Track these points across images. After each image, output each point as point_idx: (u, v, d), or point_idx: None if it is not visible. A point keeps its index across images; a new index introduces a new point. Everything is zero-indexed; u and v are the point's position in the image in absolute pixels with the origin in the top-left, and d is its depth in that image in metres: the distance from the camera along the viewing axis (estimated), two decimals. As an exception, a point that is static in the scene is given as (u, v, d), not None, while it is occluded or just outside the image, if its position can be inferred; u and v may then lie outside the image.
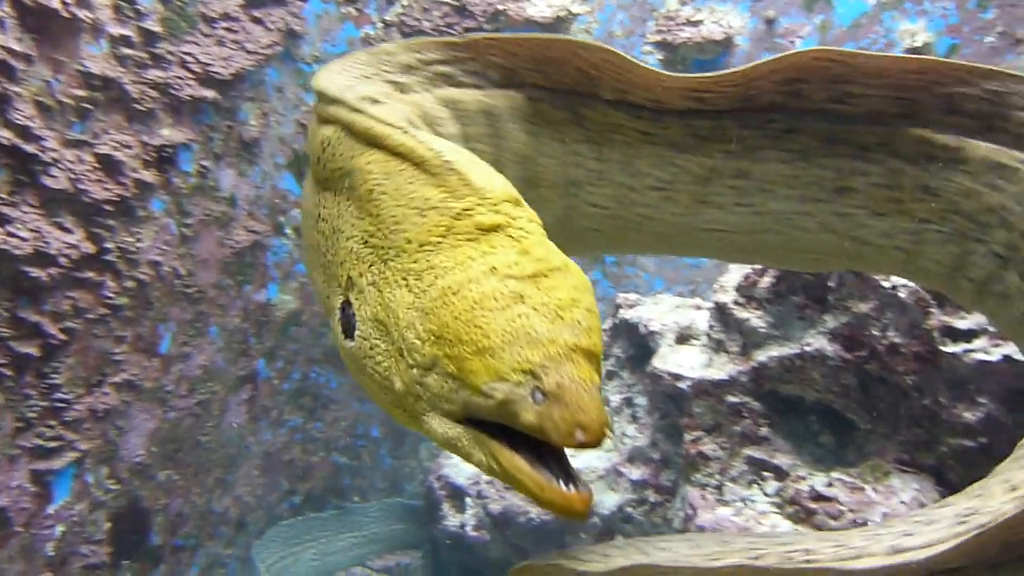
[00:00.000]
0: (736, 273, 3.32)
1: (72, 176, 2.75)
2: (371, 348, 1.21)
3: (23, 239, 2.54)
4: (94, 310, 2.93)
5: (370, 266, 1.21)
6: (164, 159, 3.30)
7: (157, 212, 3.33)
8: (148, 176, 3.19)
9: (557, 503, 0.99)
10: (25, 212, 2.57)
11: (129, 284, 3.12)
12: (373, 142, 1.30)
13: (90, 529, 3.03)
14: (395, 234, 1.18)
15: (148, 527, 3.40)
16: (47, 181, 2.64)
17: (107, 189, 2.93)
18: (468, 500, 3.68)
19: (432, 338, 1.06)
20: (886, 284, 2.74)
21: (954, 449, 2.64)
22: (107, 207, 2.93)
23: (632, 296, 3.82)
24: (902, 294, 2.70)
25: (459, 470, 3.78)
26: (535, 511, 3.52)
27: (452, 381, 1.06)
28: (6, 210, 2.51)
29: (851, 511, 2.68)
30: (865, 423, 2.96)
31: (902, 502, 2.63)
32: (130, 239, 3.10)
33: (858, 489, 2.75)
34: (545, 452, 1.02)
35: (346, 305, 1.28)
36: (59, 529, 2.87)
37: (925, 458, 2.75)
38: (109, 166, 2.95)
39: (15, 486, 2.65)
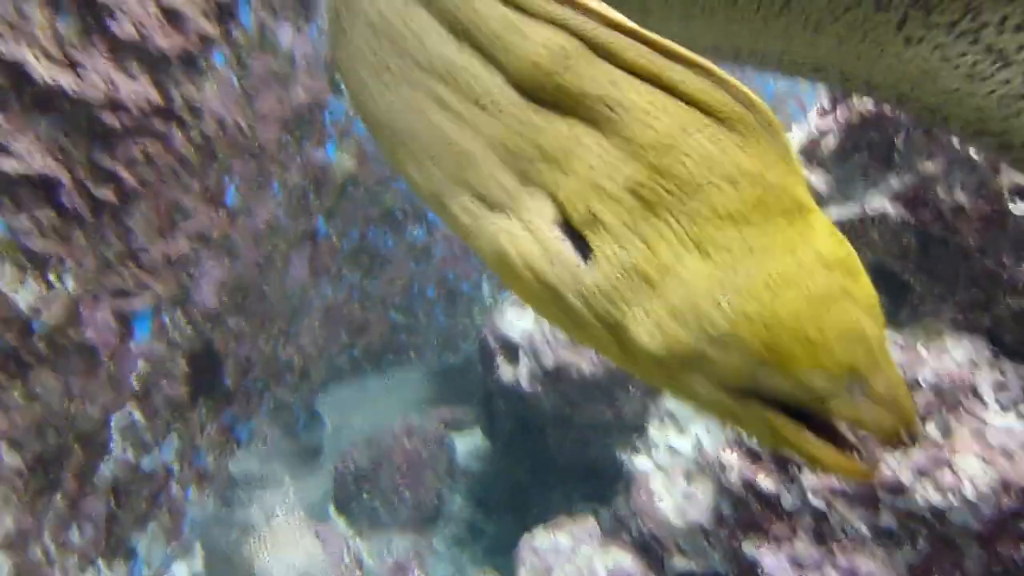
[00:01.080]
0: (800, 132, 3.26)
1: (138, 24, 2.77)
2: (612, 291, 1.18)
3: (95, 85, 2.60)
4: (163, 160, 3.02)
5: (632, 213, 1.13)
6: (224, 11, 3.29)
7: (219, 65, 3.35)
8: (209, 29, 3.19)
9: (856, 473, 1.05)
10: (95, 58, 2.62)
11: (194, 135, 3.19)
12: (669, 86, 1.13)
13: (169, 367, 3.23)
14: (691, 198, 1.12)
15: (220, 369, 3.61)
16: (115, 28, 2.67)
17: (171, 40, 2.96)
18: (522, 354, 3.82)
19: (743, 318, 1.04)
20: (955, 142, 2.67)
21: (1012, 309, 2.63)
22: (172, 58, 2.96)
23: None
24: (971, 152, 2.63)
25: (513, 326, 3.89)
26: (586, 365, 3.63)
27: (751, 358, 1.06)
28: (80, 56, 2.56)
29: (902, 368, 2.71)
30: (922, 285, 2.95)
31: (953, 360, 2.65)
32: (194, 91, 3.15)
33: (910, 348, 2.77)
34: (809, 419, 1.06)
35: (567, 229, 1.20)
36: (141, 364, 3.06)
37: (980, 319, 2.75)
38: (172, 16, 2.96)
39: (100, 322, 2.82)
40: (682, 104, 1.10)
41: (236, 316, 3.69)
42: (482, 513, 4.19)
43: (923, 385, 2.58)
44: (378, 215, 4.80)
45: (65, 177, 2.57)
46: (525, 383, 3.73)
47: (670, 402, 3.52)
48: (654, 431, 3.41)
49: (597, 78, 1.16)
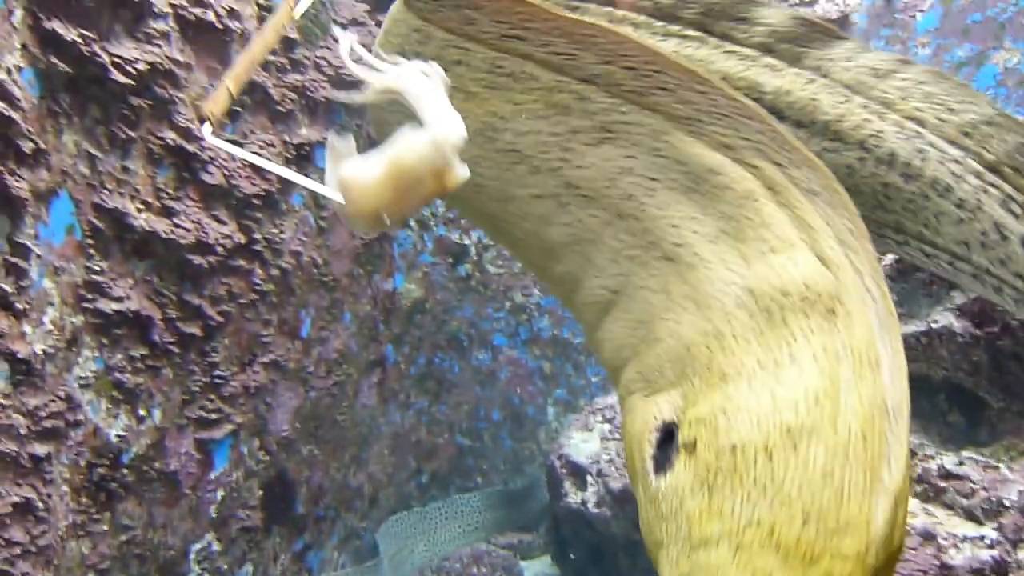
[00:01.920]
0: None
1: (226, 172, 3.02)
2: (660, 516, 1.11)
3: (187, 229, 2.82)
4: (245, 295, 3.21)
5: (727, 475, 1.05)
6: (302, 156, 3.56)
7: (297, 206, 3.59)
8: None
9: None
10: (188, 205, 2.85)
11: (274, 272, 3.39)
12: None
13: (245, 495, 3.31)
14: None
15: (294, 497, 3.68)
16: (205, 177, 2.92)
17: (255, 184, 3.20)
18: (589, 478, 3.80)
19: None
20: (1019, 257, 2.67)
21: (1095, 426, 2.55)
22: (255, 201, 3.19)
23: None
24: (1036, 267, 2.62)
25: (579, 449, 3.89)
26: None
27: None
28: (172, 203, 2.79)
29: (984, 489, 2.63)
30: (998, 401, 2.89)
31: (1039, 480, 2.56)
32: (275, 230, 3.37)
33: (991, 468, 2.69)
34: None
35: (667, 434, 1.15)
36: (219, 494, 3.15)
37: (1063, 436, 2.67)
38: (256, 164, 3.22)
39: (183, 452, 2.94)
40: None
41: (309, 444, 3.79)
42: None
43: (1008, 507, 2.49)
44: (444, 341, 4.93)
45: (157, 315, 2.76)
46: (593, 507, 3.70)
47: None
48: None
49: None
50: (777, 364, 1.08)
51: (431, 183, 1.44)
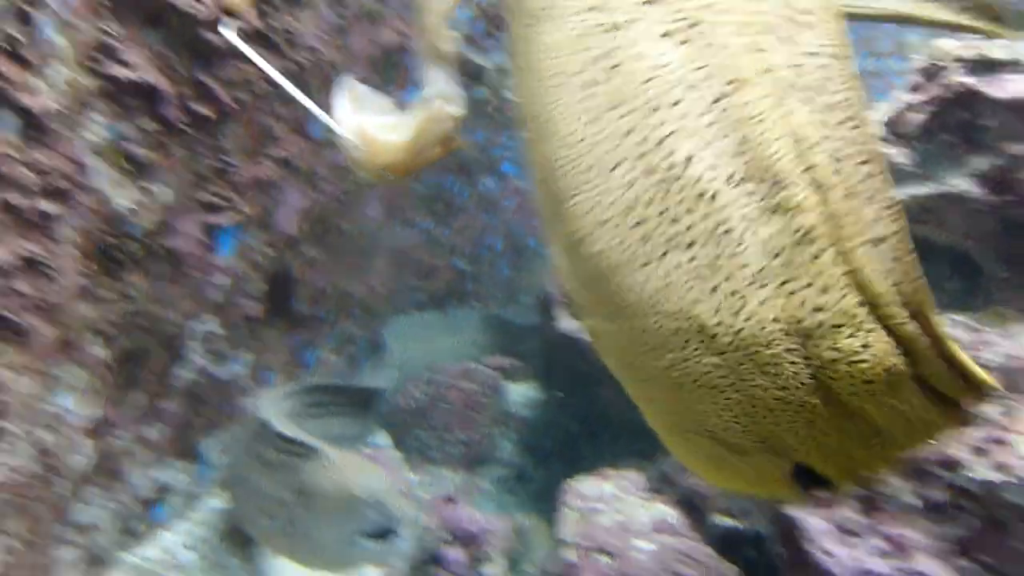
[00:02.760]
0: (887, 107, 3.22)
1: (247, -51, 2.88)
2: None
3: (204, 4, 2.72)
4: (258, 85, 3.14)
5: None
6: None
7: (317, -1, 3.46)
8: (311, -40, 3.30)
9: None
10: (206, -21, 2.74)
11: (289, 65, 3.31)
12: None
13: (248, 286, 3.38)
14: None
15: (295, 295, 3.76)
16: (226, -49, 2.78)
17: (275, -31, 3.07)
18: (584, 308, 3.85)
19: None
20: (1050, 125, 2.61)
21: (1089, 300, 2.58)
22: (272, -13, 3.07)
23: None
24: (1066, 137, 2.57)
25: (578, 281, 3.93)
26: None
27: None
28: (190, -25, 2.68)
29: (970, 350, 2.69)
30: (1000, 271, 2.91)
31: (1022, 345, 2.62)
32: (293, 21, 3.26)
33: (978, 331, 2.74)
34: None
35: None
36: (223, 279, 3.22)
37: (1056, 308, 2.71)
38: (279, -54, 3.07)
39: (189, 233, 2.97)
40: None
41: (314, 246, 3.83)
42: (531, 460, 4.28)
43: (989, 367, 2.56)
44: (454, 164, 4.89)
45: (170, 90, 2.71)
46: (584, 333, 3.78)
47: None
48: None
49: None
50: None
51: (438, 150, 1.63)
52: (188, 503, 3.38)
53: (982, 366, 2.50)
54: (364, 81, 4.01)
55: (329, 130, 1.79)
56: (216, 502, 3.45)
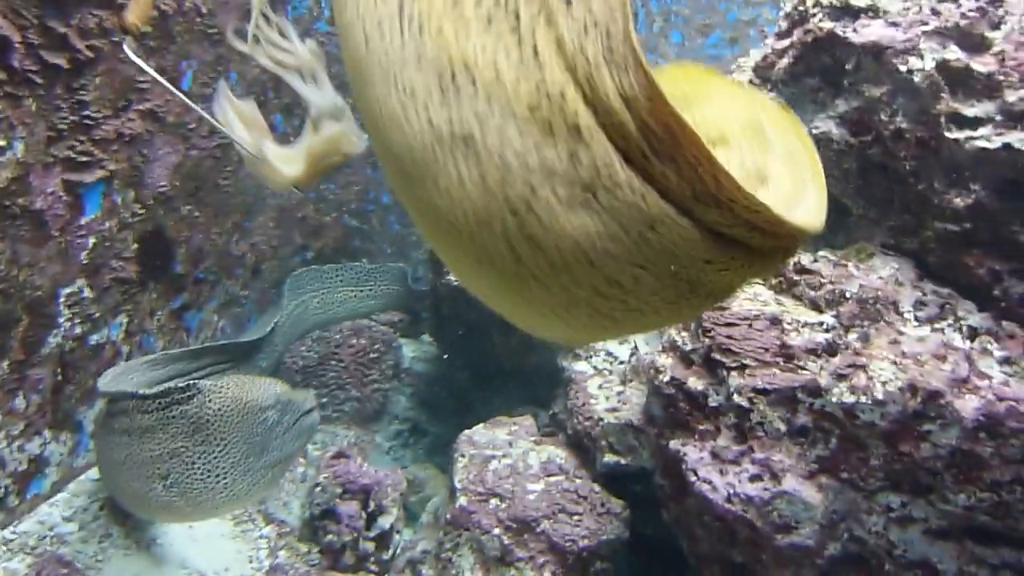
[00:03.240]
0: (757, 53, 3.32)
1: None
2: None
3: (50, -56, 2.55)
4: (118, 33, 2.97)
5: None
6: None
7: (180, -59, 3.28)
8: (170, -99, 3.12)
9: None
10: (51, -84, 2.56)
11: (152, 12, 3.14)
12: None
13: (119, 246, 3.23)
14: None
15: (172, 255, 3.62)
16: None
17: (130, -94, 2.88)
18: (472, 260, 3.86)
19: None
20: (902, 68, 2.76)
21: (938, 233, 2.76)
22: (130, -74, 2.88)
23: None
24: (916, 78, 2.72)
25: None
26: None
27: None
28: (32, -89, 2.49)
29: (831, 283, 2.84)
30: (859, 208, 3.07)
31: (879, 277, 2.79)
32: (153, -35, 3.08)
33: (841, 265, 2.90)
34: None
35: None
36: (91, 240, 3.06)
37: (909, 243, 2.89)
38: None
39: (50, 192, 2.81)
40: None
41: (189, 203, 3.68)
42: (425, 413, 4.30)
43: (848, 298, 2.72)
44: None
45: (16, 37, 2.53)
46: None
47: (613, 312, 3.61)
48: (595, 338, 3.54)
49: None
50: None
51: (338, 158, 1.76)
52: (67, 474, 3.25)
53: (842, 297, 2.65)
54: (237, 30, 3.86)
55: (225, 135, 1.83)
56: (97, 472, 3.32)
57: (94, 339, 3.22)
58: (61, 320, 3.03)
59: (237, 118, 1.83)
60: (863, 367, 2.45)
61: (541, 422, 3.61)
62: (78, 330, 3.12)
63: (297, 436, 2.88)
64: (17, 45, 2.52)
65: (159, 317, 3.63)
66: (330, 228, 5.03)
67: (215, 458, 2.69)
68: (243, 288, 4.36)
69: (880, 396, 2.38)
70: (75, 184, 2.91)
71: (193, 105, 1.81)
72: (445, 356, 4.32)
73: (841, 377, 2.49)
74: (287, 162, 1.79)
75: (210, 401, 2.66)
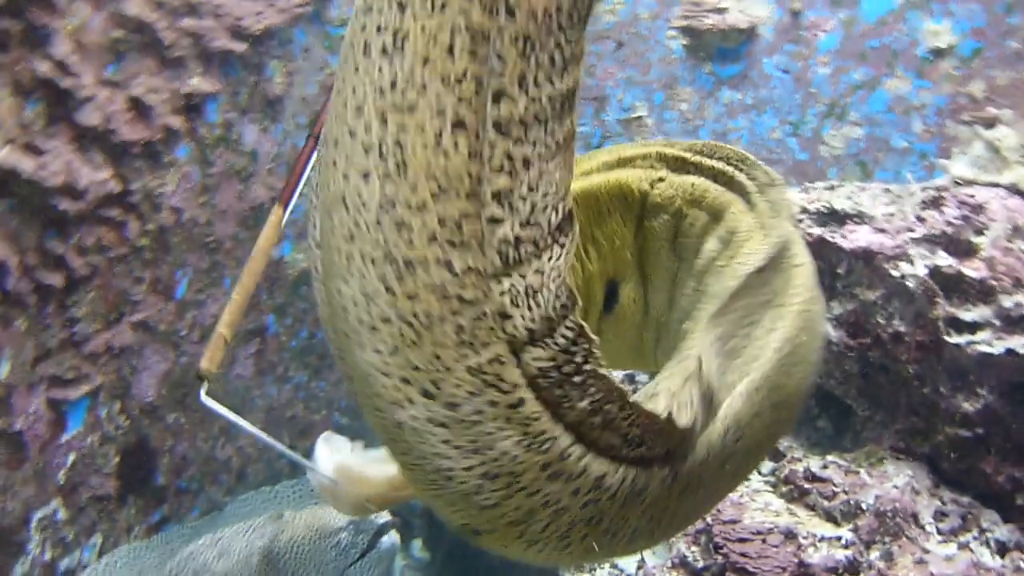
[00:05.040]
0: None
1: (104, 115, 2.80)
2: None
3: (55, 171, 2.60)
4: (116, 249, 2.99)
5: None
6: (192, 107, 3.35)
7: (182, 159, 3.38)
8: (175, 122, 3.23)
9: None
10: (58, 145, 2.63)
11: (151, 227, 3.18)
12: None
13: (99, 462, 3.09)
14: None
15: (154, 467, 3.47)
16: (80, 117, 2.69)
17: (136, 131, 2.98)
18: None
19: None
20: (895, 273, 2.79)
21: (950, 438, 2.70)
22: (135, 149, 2.98)
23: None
24: (910, 283, 2.75)
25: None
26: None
27: None
28: (40, 141, 2.56)
29: (844, 492, 2.74)
30: (864, 410, 3.01)
31: (895, 486, 2.69)
32: (155, 183, 3.16)
33: (852, 472, 2.81)
34: None
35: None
36: (71, 458, 2.93)
37: (920, 446, 2.81)
38: (140, 109, 3.00)
39: (32, 412, 2.71)
40: None
41: (175, 411, 3.58)
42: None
43: (865, 510, 2.60)
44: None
45: (13, 261, 2.52)
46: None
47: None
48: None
49: None
50: None
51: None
52: None
53: (858, 509, 2.53)
54: (233, 236, 3.91)
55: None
56: None
57: (64, 564, 3.01)
58: (31, 547, 2.84)
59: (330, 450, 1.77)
60: (891, 590, 2.30)
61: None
62: (48, 556, 2.92)
63: (377, 562, 2.57)
64: (13, 270, 2.51)
65: (136, 533, 3.42)
66: (320, 426, 4.89)
67: None
68: (226, 495, 4.16)
69: (914, 626, 2.22)
70: (59, 402, 2.82)
71: (274, 443, 1.77)
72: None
73: (867, 602, 2.33)
74: (375, 463, 1.74)
75: (282, 532, 2.45)
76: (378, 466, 1.70)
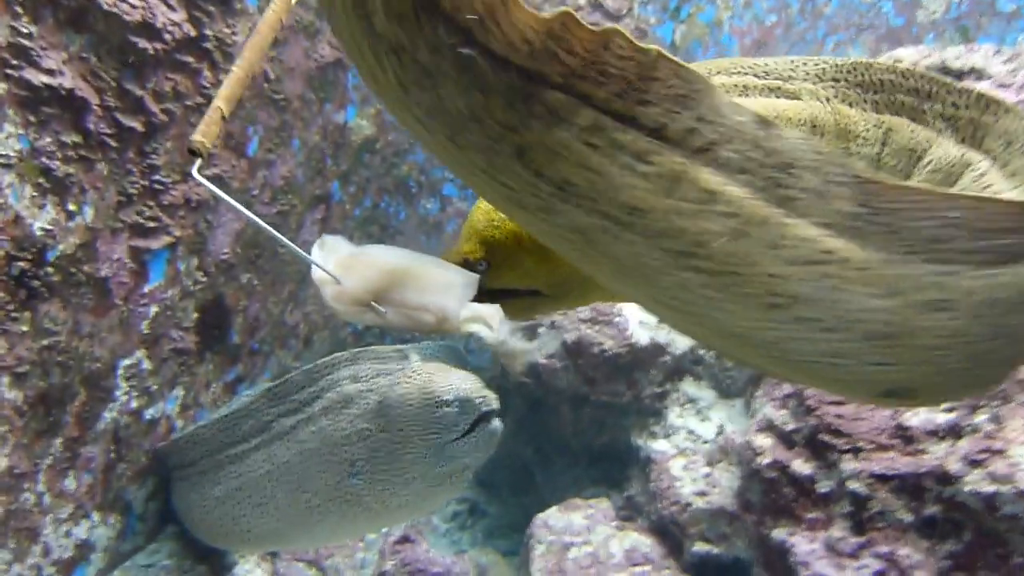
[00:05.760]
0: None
1: (177, -51, 2.65)
2: None
3: (133, 5, 2.47)
4: (192, 97, 2.89)
5: None
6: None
7: (251, 7, 3.23)
8: (244, -33, 3.07)
9: None
10: (133, -22, 2.49)
11: (223, 76, 3.06)
12: None
13: (179, 315, 3.09)
14: None
15: (230, 325, 3.48)
16: (154, -51, 2.55)
17: (208, -29, 2.84)
18: (541, 329, 3.71)
19: None
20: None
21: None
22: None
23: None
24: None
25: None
26: (608, 342, 3.54)
27: None
28: (116, -27, 2.43)
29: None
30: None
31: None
32: (227, 30, 3.02)
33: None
34: None
35: None
36: (153, 309, 2.93)
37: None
38: (211, -54, 2.84)
39: (116, 259, 2.68)
40: None
41: (248, 271, 3.56)
42: (484, 493, 4.07)
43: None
44: (392, 185, 4.68)
45: (94, 100, 2.44)
46: (542, 358, 3.63)
47: (691, 387, 3.42)
48: (674, 416, 3.32)
49: None
50: None
51: (430, 319, 1.49)
52: (112, 560, 3.04)
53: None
54: (301, 97, 3.80)
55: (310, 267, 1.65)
56: (144, 557, 3.11)
57: (149, 413, 3.05)
58: (118, 394, 2.87)
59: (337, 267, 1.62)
60: (1001, 452, 2.23)
61: (618, 505, 3.38)
62: (134, 404, 2.96)
63: (475, 446, 2.54)
64: (95, 107, 2.43)
65: (214, 390, 3.46)
66: (381, 298, 4.89)
67: (397, 448, 2.47)
68: (295, 360, 4.20)
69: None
70: (141, 251, 2.79)
71: (268, 229, 1.64)
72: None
73: (975, 464, 2.26)
74: (375, 256, 1.61)
75: (398, 384, 2.47)
76: (381, 257, 1.57)
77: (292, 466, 2.72)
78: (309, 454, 2.68)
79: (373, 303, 1.53)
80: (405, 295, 1.54)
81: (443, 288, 1.54)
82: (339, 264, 1.59)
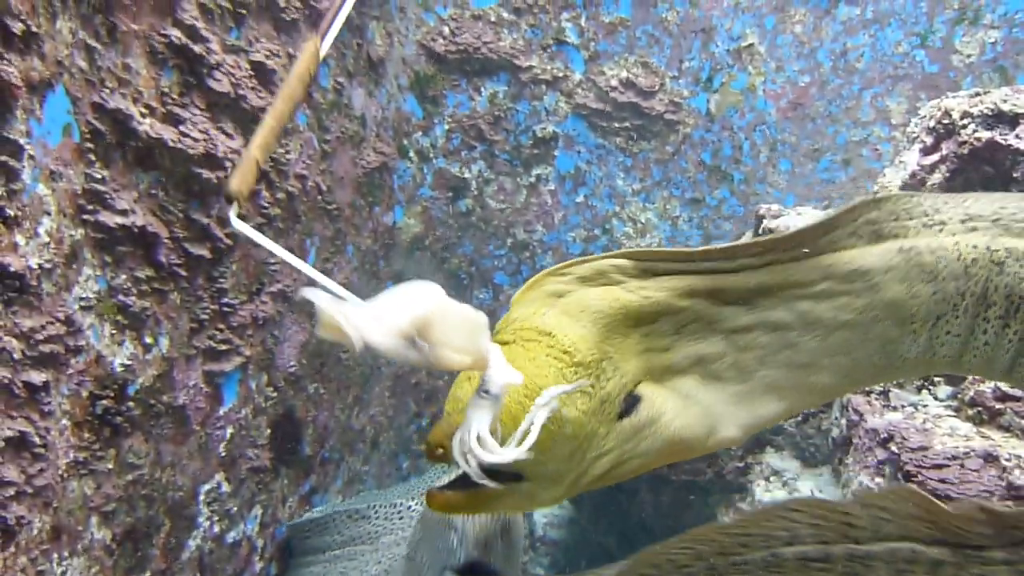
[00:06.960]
0: (895, 172, 3.16)
1: (233, 81, 2.75)
2: None
3: (195, 139, 2.56)
4: (252, 218, 2.96)
5: None
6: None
7: (301, 126, 3.33)
8: (293, 88, 3.17)
9: None
10: (194, 113, 2.58)
11: (280, 195, 3.14)
12: None
13: (254, 434, 3.09)
14: None
15: (301, 437, 3.47)
16: (212, 84, 2.64)
17: (261, 97, 2.93)
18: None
19: None
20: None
21: None
22: (262, 115, 2.92)
23: (774, 207, 3.69)
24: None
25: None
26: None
27: None
28: (178, 110, 2.52)
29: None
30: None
31: (1104, 399, 2.47)
32: (281, 150, 3.11)
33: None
34: None
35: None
36: (229, 431, 2.93)
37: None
38: (262, 74, 2.94)
39: (192, 385, 2.70)
40: None
41: (315, 381, 3.57)
42: (569, 585, 3.95)
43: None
44: (444, 279, 4.71)
45: (163, 233, 2.50)
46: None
47: (773, 458, 3.32)
48: (760, 491, 3.21)
49: None
50: None
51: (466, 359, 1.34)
52: None
53: None
54: (351, 204, 3.87)
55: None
56: None
57: (231, 536, 3.03)
58: (201, 520, 2.85)
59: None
60: None
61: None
62: (216, 529, 2.94)
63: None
64: (165, 240, 2.49)
65: (290, 504, 3.43)
66: (442, 392, 4.87)
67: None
68: (364, 463, 4.17)
69: None
70: (215, 374, 2.81)
71: (294, 259, 1.60)
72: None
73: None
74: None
75: None
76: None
77: None
78: None
79: (416, 338, 1.40)
80: (446, 334, 1.43)
81: (471, 328, 1.43)
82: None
